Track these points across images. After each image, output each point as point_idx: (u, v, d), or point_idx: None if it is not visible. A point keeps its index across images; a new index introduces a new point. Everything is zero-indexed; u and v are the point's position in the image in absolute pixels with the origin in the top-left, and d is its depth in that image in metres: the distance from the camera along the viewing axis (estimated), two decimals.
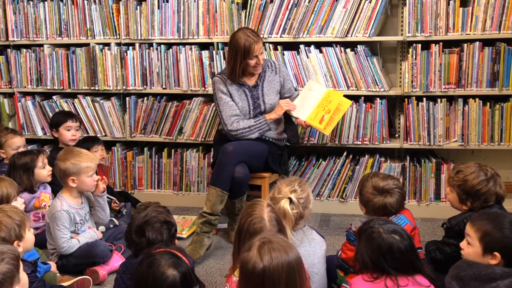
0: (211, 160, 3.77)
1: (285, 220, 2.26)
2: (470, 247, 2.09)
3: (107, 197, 3.58)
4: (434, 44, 3.51)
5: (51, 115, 4.01)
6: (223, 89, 3.35)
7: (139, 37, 3.87)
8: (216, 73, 3.70)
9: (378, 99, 3.62)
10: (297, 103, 3.40)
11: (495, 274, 1.95)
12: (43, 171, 3.26)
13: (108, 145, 4.11)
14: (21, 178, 3.20)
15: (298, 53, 3.67)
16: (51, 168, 3.25)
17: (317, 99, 3.36)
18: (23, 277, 1.98)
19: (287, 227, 2.24)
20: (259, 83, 3.42)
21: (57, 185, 3.16)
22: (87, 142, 3.64)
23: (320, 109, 3.32)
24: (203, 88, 3.83)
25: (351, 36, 3.60)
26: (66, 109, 4.02)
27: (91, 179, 3.00)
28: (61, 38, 4.02)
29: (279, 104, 3.36)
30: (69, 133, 3.67)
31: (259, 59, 3.29)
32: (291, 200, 2.32)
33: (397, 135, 3.76)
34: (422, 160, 3.71)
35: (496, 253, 2.01)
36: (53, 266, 2.86)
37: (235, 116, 3.33)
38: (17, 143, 3.58)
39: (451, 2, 3.47)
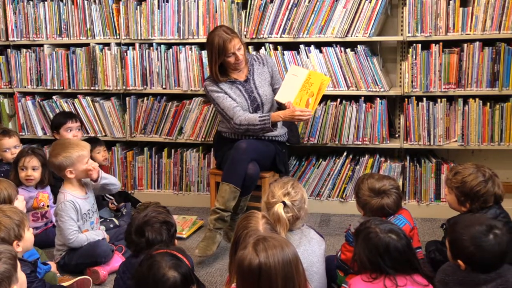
0: (213, 161, 3.77)
1: (279, 225, 2.25)
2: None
3: (106, 197, 3.59)
4: (434, 44, 3.51)
5: (51, 115, 4.03)
6: (216, 89, 3.33)
7: (139, 37, 3.87)
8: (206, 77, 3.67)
9: (378, 99, 3.62)
10: (282, 88, 3.33)
11: (479, 279, 1.95)
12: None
13: (108, 145, 4.10)
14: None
15: (298, 53, 3.67)
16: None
17: (300, 82, 3.28)
18: (21, 276, 1.98)
19: (281, 232, 2.23)
20: (249, 77, 3.40)
21: (57, 187, 3.16)
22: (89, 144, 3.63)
23: (303, 93, 3.25)
24: (203, 88, 3.82)
25: (351, 36, 3.59)
26: (66, 109, 4.02)
27: (87, 166, 3.00)
28: (61, 38, 4.02)
29: (293, 110, 3.20)
30: (70, 134, 3.66)
31: (237, 55, 3.26)
32: (285, 204, 2.31)
33: (397, 135, 3.76)
34: (422, 160, 3.71)
35: (459, 261, 2.00)
36: (53, 266, 2.86)
37: (237, 107, 3.30)
38: (6, 144, 3.57)
39: (451, 2, 3.47)
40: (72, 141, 3.10)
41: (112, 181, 3.14)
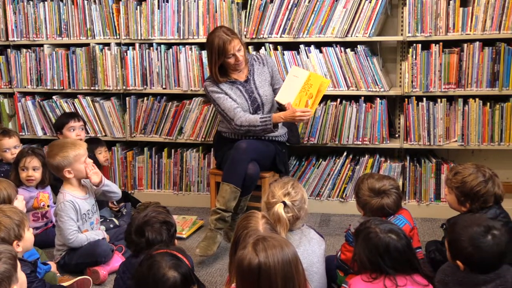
0: (213, 161, 3.78)
1: (279, 225, 2.25)
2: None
3: None
4: (434, 44, 3.51)
5: (51, 115, 4.04)
6: (216, 90, 3.33)
7: (139, 37, 3.87)
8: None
9: (378, 99, 3.62)
10: (282, 89, 3.33)
11: (478, 280, 1.95)
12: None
13: (108, 145, 4.10)
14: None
15: (298, 53, 3.67)
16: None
17: (300, 83, 3.27)
18: (21, 276, 1.98)
19: (281, 232, 2.23)
20: (249, 78, 3.40)
21: (57, 187, 3.16)
22: (90, 144, 3.60)
23: (303, 94, 3.25)
24: (203, 89, 3.82)
25: (351, 36, 3.59)
26: (66, 109, 4.02)
27: (85, 164, 3.00)
28: (61, 38, 4.02)
29: (293, 111, 3.20)
30: (73, 133, 3.66)
31: (237, 56, 3.26)
32: (285, 204, 2.31)
33: (397, 135, 3.76)
34: (422, 160, 3.71)
35: (458, 261, 2.00)
36: (53, 266, 2.87)
37: (238, 108, 3.30)
38: (6, 145, 3.57)
39: (451, 2, 3.47)
40: (69, 141, 3.11)
41: (114, 189, 3.14)
